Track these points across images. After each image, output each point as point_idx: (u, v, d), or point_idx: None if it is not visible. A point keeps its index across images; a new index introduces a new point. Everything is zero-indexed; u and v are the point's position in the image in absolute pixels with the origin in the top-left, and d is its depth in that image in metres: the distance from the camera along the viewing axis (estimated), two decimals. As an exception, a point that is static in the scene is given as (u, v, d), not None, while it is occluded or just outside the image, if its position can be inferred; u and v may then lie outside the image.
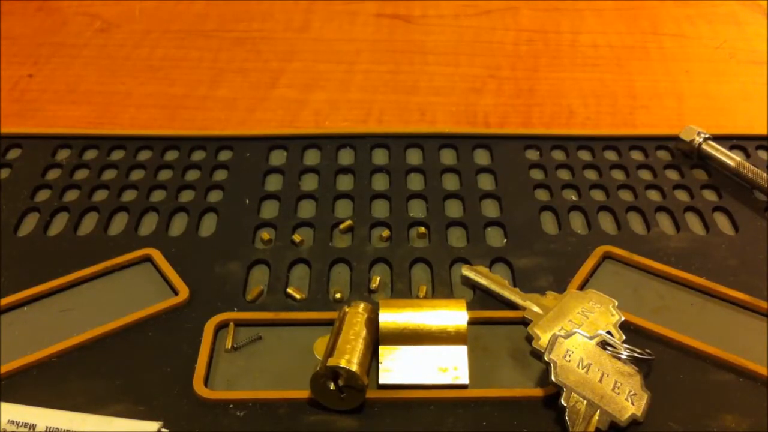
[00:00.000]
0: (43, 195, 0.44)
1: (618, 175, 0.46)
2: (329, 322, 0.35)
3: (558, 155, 0.47)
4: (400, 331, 0.33)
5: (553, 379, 0.31)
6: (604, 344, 0.33)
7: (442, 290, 0.38)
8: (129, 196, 0.44)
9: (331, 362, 0.31)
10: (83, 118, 0.51)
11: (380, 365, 0.33)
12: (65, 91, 0.53)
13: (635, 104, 0.52)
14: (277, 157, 0.47)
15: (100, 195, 0.44)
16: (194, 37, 0.60)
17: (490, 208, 0.43)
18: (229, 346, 0.35)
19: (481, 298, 0.37)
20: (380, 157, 0.47)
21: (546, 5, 0.65)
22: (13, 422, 0.30)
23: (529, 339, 0.35)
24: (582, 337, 0.33)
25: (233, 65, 0.56)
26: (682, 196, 0.44)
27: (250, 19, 0.62)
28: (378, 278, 0.38)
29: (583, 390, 0.31)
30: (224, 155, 0.47)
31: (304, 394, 0.32)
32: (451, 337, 0.33)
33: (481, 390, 0.33)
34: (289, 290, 0.37)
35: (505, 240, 0.41)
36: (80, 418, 0.30)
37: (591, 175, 0.46)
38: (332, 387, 0.31)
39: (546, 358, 0.32)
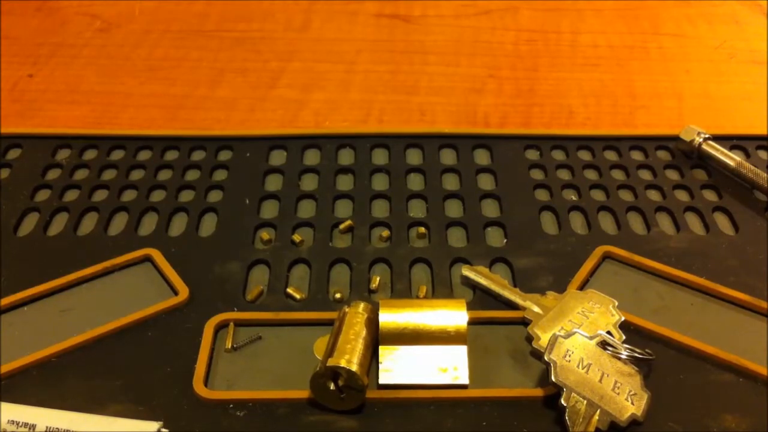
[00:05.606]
0: (43, 195, 0.44)
1: (618, 175, 0.46)
2: (329, 322, 0.35)
3: (558, 155, 0.47)
4: (400, 331, 0.33)
5: (553, 379, 0.31)
6: (604, 344, 0.33)
7: (442, 290, 0.38)
8: (129, 196, 0.44)
9: (331, 362, 0.31)
10: (83, 118, 0.51)
11: (380, 365, 0.33)
12: (65, 91, 0.53)
13: (635, 104, 0.52)
14: (277, 157, 0.47)
15: (100, 195, 0.44)
16: (194, 37, 0.60)
17: (490, 208, 0.43)
18: (229, 346, 0.35)
19: (481, 298, 0.37)
20: (380, 157, 0.47)
21: (546, 5, 0.65)
22: (13, 422, 0.30)
23: (529, 339, 0.35)
24: (582, 337, 0.33)
25: (233, 65, 0.56)
26: (682, 196, 0.44)
27: (250, 19, 0.62)
28: (378, 278, 0.38)
29: (583, 390, 0.31)
30: (224, 155, 0.47)
31: (304, 394, 0.32)
32: (451, 337, 0.33)
33: (481, 390, 0.33)
34: (289, 290, 0.37)
35: (505, 240, 0.41)
36: (80, 418, 0.30)
37: (591, 175, 0.46)
38: (332, 387, 0.31)
39: (546, 358, 0.32)
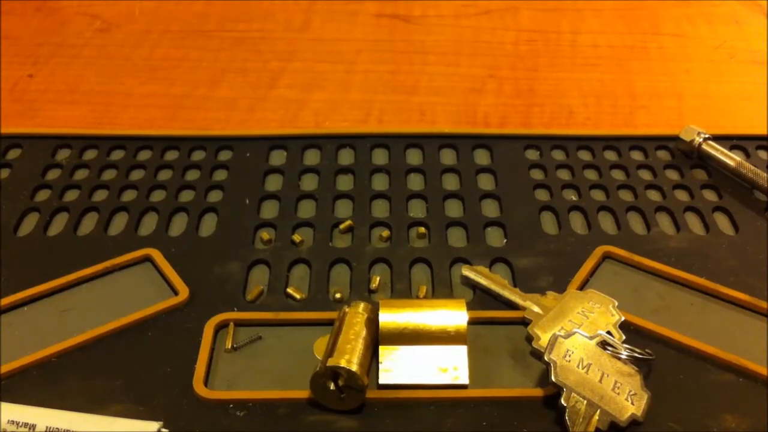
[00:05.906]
0: (43, 195, 0.44)
1: (618, 175, 0.46)
2: (329, 322, 0.35)
3: (558, 155, 0.47)
4: (400, 331, 0.33)
5: (553, 379, 0.31)
6: (604, 344, 0.33)
7: (442, 290, 0.38)
8: (129, 196, 0.44)
9: (331, 362, 0.31)
10: (83, 118, 0.51)
11: (380, 365, 0.33)
12: (65, 91, 0.53)
13: (635, 104, 0.52)
14: (277, 157, 0.47)
15: (100, 195, 0.44)
16: (194, 37, 0.60)
17: (490, 208, 0.43)
18: (229, 346, 0.35)
19: (481, 298, 0.37)
20: (380, 157, 0.47)
21: (546, 5, 0.65)
22: (13, 422, 0.30)
23: (529, 339, 0.35)
24: (582, 337, 0.33)
25: (233, 65, 0.56)
26: (682, 196, 0.44)
27: (250, 19, 0.62)
28: (378, 278, 0.38)
29: (583, 390, 0.31)
30: (224, 155, 0.47)
31: (304, 394, 0.32)
32: (451, 337, 0.33)
33: (481, 390, 0.33)
34: (289, 290, 0.37)
35: (505, 240, 0.41)
36: (81, 418, 0.30)
37: (591, 175, 0.46)
38: (332, 387, 0.31)
39: (546, 358, 0.32)
